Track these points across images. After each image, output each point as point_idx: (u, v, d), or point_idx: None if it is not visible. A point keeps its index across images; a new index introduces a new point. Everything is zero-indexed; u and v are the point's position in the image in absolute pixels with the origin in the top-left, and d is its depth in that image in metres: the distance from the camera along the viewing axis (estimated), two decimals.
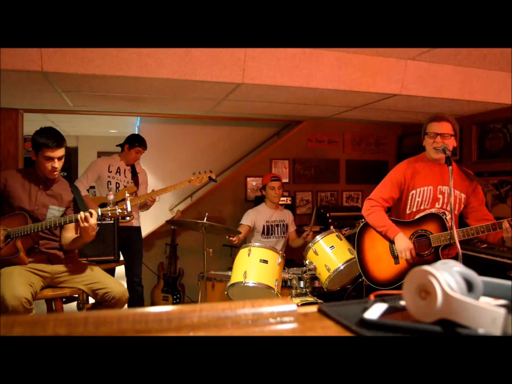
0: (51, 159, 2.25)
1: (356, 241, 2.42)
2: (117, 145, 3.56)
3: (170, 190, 3.54)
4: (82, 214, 2.18)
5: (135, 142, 3.40)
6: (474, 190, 2.30)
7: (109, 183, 3.40)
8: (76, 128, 6.45)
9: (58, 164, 2.29)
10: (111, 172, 3.42)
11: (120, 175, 3.45)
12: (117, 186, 3.42)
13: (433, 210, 2.26)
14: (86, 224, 2.17)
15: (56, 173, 2.32)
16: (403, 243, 2.20)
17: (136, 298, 3.60)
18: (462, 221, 2.38)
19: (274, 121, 4.86)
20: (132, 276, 3.58)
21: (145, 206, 3.54)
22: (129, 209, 2.21)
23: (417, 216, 2.29)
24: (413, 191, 2.29)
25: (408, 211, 2.32)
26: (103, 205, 3.18)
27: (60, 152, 2.27)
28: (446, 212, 2.27)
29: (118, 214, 2.20)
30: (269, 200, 3.56)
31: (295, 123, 4.72)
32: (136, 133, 3.48)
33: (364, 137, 4.86)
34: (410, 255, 2.18)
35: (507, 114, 3.52)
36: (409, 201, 2.31)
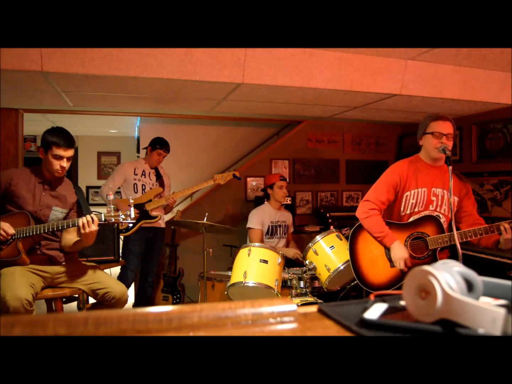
0: (61, 158, 2.24)
1: (349, 244, 2.38)
2: (143, 148, 3.74)
3: (196, 190, 3.65)
4: (84, 219, 2.16)
5: (156, 145, 3.51)
6: (467, 194, 2.28)
7: (135, 185, 3.48)
8: (76, 128, 6.44)
9: (66, 164, 2.28)
10: (136, 174, 3.51)
11: (145, 177, 3.54)
12: (143, 188, 3.52)
13: (427, 213, 2.24)
14: (87, 231, 2.16)
15: (62, 173, 2.31)
16: (399, 252, 2.18)
17: (143, 299, 3.61)
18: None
19: (274, 121, 4.86)
20: (146, 276, 3.63)
21: (168, 207, 3.62)
22: (132, 215, 2.21)
23: (411, 218, 2.26)
24: (407, 193, 2.27)
25: (402, 213, 2.29)
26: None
27: (70, 152, 2.27)
28: (440, 215, 2.25)
29: (121, 220, 2.20)
30: (274, 200, 3.55)
31: (295, 123, 4.72)
32: (159, 136, 3.60)
33: (364, 137, 4.86)
34: (405, 265, 2.16)
35: (507, 114, 3.52)
36: (403, 203, 2.28)
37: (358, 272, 2.33)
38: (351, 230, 2.41)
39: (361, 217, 2.33)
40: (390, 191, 2.29)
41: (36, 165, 2.37)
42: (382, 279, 2.27)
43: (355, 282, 2.44)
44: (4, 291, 2.00)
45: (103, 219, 2.20)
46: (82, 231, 2.16)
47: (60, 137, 2.23)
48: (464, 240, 2.10)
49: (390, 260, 2.26)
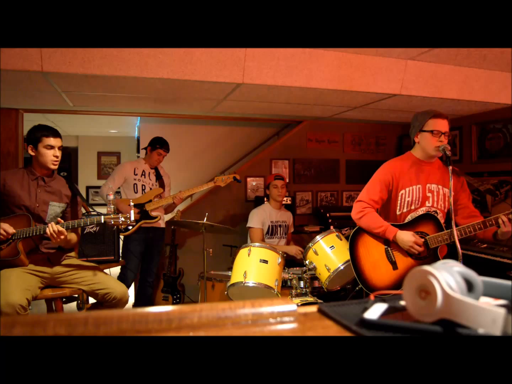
0: (52, 147, 2.29)
1: (349, 250, 2.33)
2: (143, 148, 3.72)
3: (196, 191, 3.64)
4: (50, 229, 2.15)
5: (156, 144, 3.52)
6: (462, 186, 2.26)
7: (135, 185, 3.48)
8: (76, 128, 6.45)
9: (58, 153, 2.33)
10: (136, 174, 3.51)
11: (145, 177, 3.54)
12: (143, 188, 3.52)
13: (424, 209, 2.23)
14: (58, 240, 2.17)
15: (57, 163, 2.33)
16: (407, 239, 2.14)
17: (143, 299, 3.61)
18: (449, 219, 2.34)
19: (274, 121, 4.86)
20: (146, 276, 3.63)
21: (170, 207, 3.63)
22: (132, 218, 2.22)
23: (409, 216, 2.25)
24: (402, 191, 2.24)
25: (398, 212, 2.27)
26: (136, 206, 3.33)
27: (59, 141, 2.34)
28: (438, 211, 2.24)
29: (121, 222, 2.21)
30: (273, 200, 3.56)
31: (295, 123, 4.72)
32: (159, 136, 3.60)
33: (364, 137, 4.86)
34: (418, 247, 2.12)
35: (507, 114, 3.52)
36: (398, 202, 2.26)
37: (362, 277, 2.28)
38: (350, 236, 2.37)
39: (356, 217, 2.29)
40: (383, 190, 2.26)
41: (27, 166, 2.40)
42: (386, 282, 2.24)
43: (358, 284, 2.43)
44: None
45: (102, 221, 2.20)
46: (53, 241, 2.18)
47: (46, 129, 2.32)
48: (464, 236, 2.08)
49: (391, 262, 2.24)
